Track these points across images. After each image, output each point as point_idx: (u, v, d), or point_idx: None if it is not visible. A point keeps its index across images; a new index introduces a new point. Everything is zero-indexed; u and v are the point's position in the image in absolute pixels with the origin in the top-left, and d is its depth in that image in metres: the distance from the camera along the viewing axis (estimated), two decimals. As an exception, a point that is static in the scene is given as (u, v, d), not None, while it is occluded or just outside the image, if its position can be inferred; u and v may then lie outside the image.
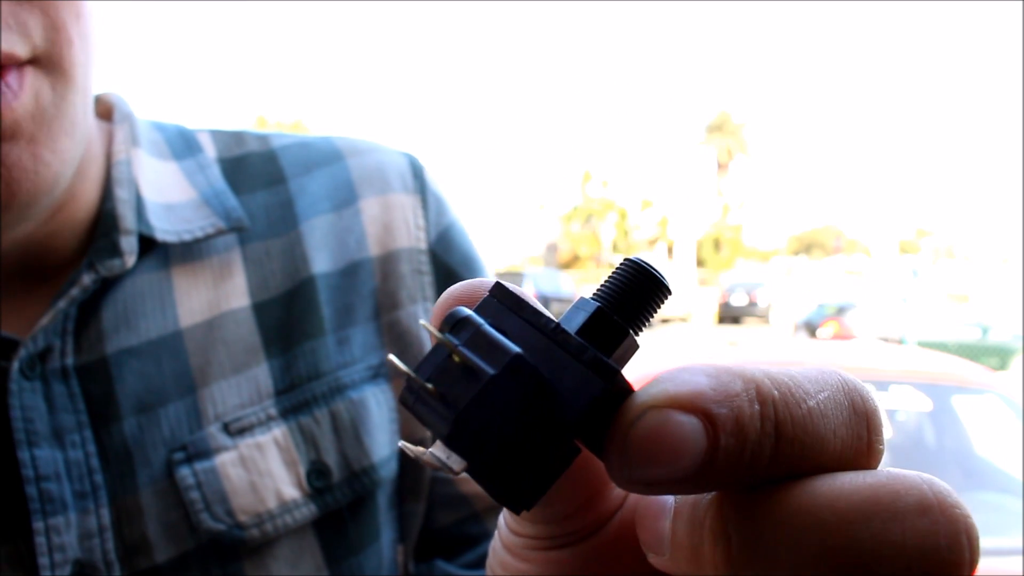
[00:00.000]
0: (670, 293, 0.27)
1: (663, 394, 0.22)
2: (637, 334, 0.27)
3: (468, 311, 0.25)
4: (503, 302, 0.26)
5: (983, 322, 11.53)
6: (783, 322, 16.86)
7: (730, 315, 22.69)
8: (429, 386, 0.24)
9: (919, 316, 12.19)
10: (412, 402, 0.25)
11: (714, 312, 23.19)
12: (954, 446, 2.88)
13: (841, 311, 13.15)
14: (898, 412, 2.90)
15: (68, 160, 0.52)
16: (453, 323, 0.25)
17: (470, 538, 0.69)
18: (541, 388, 0.24)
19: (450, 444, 0.23)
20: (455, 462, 0.23)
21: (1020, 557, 2.11)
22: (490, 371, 0.23)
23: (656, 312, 0.27)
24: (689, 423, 0.22)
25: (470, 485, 0.67)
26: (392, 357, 0.25)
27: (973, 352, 9.81)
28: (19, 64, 0.49)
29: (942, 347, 9.81)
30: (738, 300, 22.56)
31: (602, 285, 0.27)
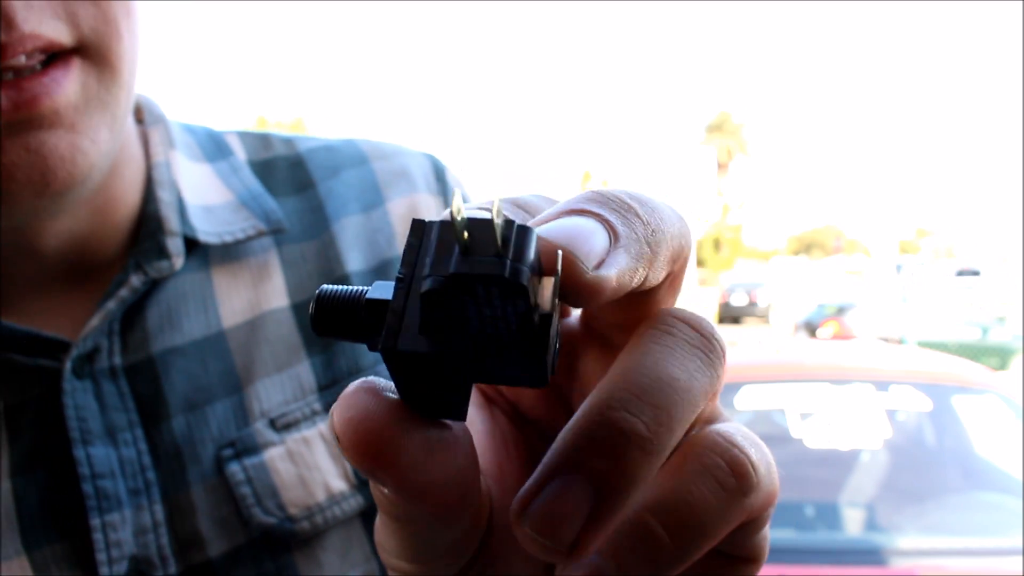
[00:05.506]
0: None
1: None
2: None
3: None
4: None
5: (983, 322, 11.51)
6: (783, 322, 16.84)
7: (730, 315, 22.63)
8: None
9: (919, 316, 12.17)
10: None
11: (714, 312, 23.16)
12: (954, 446, 2.89)
13: (841, 311, 13.13)
14: (898, 412, 2.90)
15: (106, 152, 0.53)
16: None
17: None
18: None
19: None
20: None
21: (1020, 557, 2.10)
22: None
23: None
24: None
25: None
26: None
27: (973, 352, 9.78)
28: (65, 54, 0.49)
29: (942, 347, 9.79)
30: (738, 300, 22.52)
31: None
